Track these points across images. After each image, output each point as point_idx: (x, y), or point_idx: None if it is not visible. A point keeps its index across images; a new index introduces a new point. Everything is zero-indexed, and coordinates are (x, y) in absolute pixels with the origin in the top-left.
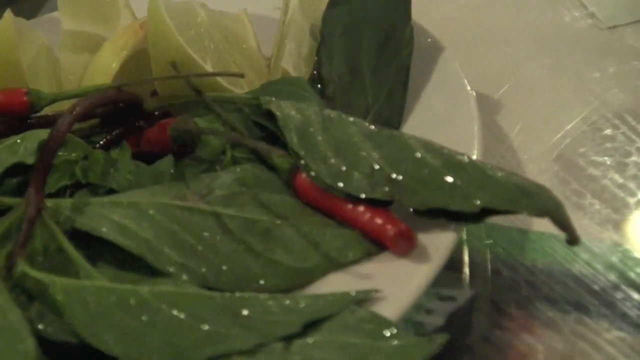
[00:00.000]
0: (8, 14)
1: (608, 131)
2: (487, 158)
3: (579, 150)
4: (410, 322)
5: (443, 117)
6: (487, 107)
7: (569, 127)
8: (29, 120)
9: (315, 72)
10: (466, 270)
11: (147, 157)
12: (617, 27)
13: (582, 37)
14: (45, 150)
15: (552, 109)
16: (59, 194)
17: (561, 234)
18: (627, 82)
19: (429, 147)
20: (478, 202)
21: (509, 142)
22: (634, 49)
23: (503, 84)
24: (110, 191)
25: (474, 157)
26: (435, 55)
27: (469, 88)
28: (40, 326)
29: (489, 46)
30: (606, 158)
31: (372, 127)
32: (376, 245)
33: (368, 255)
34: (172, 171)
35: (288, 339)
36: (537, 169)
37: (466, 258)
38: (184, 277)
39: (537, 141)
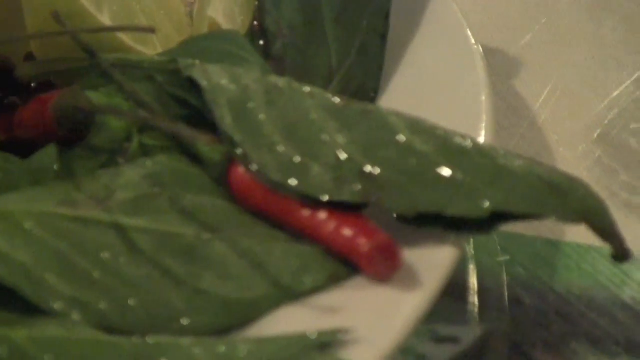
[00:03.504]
0: None
1: None
2: (502, 140)
3: (630, 126)
4: None
5: (437, 83)
6: (501, 66)
7: (616, 93)
8: None
9: (256, 22)
10: (474, 299)
11: (21, 147)
12: None
13: None
14: None
15: (594, 68)
16: None
17: (606, 247)
18: None
19: (417, 127)
20: (487, 204)
21: (531, 117)
22: None
23: (524, 33)
24: None
25: (481, 139)
26: None
27: (473, 41)
28: None
29: None
30: None
31: (337, 99)
32: (345, 266)
33: (334, 281)
34: (56, 167)
35: None
36: (572, 154)
37: (473, 282)
38: (76, 316)
39: (572, 114)
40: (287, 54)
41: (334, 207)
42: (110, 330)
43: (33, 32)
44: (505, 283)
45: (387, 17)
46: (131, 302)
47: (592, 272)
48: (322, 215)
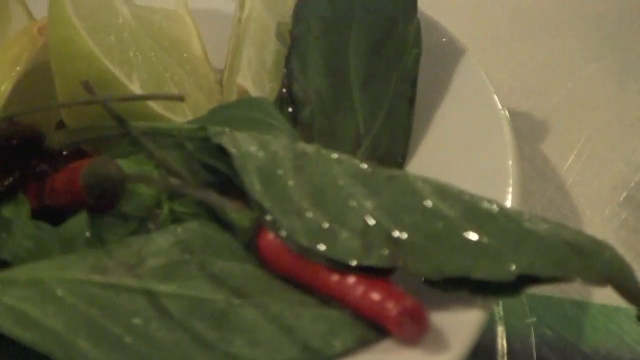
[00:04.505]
0: None
1: None
2: (529, 203)
3: None
4: None
5: (464, 148)
6: (528, 130)
7: None
8: None
9: (284, 89)
10: None
11: (52, 214)
12: None
13: None
14: None
15: (620, 131)
16: None
17: (631, 308)
18: None
19: (444, 192)
20: (513, 267)
21: (558, 180)
22: None
23: (550, 97)
24: (2, 264)
25: (508, 203)
26: (453, 60)
27: (499, 105)
28: None
29: (530, 43)
30: None
31: (365, 165)
32: (373, 329)
33: (362, 344)
34: (87, 234)
35: None
36: (599, 217)
37: (502, 344)
38: None
39: (599, 177)
40: (315, 120)
41: (362, 271)
42: None
43: (64, 100)
44: (534, 345)
45: (414, 82)
46: None
47: (619, 332)
48: (351, 279)
